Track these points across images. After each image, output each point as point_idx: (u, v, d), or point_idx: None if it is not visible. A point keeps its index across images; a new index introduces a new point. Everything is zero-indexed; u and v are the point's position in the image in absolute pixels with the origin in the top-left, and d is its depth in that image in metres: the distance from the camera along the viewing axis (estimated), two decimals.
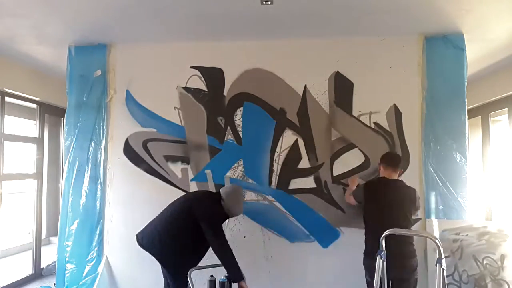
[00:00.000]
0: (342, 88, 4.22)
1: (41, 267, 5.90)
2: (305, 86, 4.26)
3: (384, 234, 3.07)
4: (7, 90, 5.12)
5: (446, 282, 2.90)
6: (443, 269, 2.78)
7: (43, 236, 6.62)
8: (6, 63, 4.96)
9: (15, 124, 6.56)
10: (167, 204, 4.30)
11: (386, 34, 4.15)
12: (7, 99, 5.26)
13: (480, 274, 3.81)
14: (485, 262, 3.82)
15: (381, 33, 4.13)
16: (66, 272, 4.35)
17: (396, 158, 3.67)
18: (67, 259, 4.37)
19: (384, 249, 3.03)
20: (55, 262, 4.58)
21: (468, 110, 4.13)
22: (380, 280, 3.04)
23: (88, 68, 4.48)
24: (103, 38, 4.36)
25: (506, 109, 5.23)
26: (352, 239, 4.11)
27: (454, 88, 4.08)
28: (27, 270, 5.79)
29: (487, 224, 4.00)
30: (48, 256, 6.10)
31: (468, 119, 4.11)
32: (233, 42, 4.33)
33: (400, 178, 3.64)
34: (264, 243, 4.25)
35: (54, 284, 4.49)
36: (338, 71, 4.24)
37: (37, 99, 5.74)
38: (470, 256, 3.85)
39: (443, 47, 4.11)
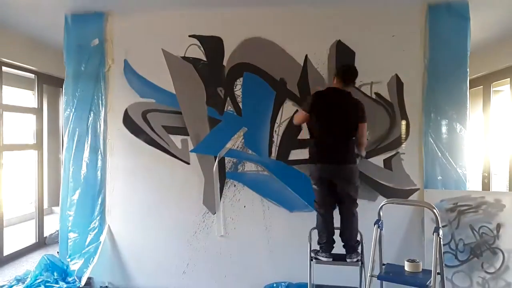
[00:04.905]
0: (343, 58, 4.16)
1: (44, 236, 6.01)
2: (306, 55, 4.19)
3: (382, 203, 3.11)
4: (4, 60, 5.06)
5: (442, 251, 2.95)
6: (440, 238, 2.83)
7: (45, 205, 6.69)
8: (2, 33, 4.88)
9: (13, 95, 6.53)
10: (167, 174, 4.35)
11: (389, 2, 4.05)
12: (4, 69, 5.20)
13: (476, 243, 3.87)
14: (481, 231, 3.87)
15: (384, 1, 4.03)
16: (69, 241, 4.43)
17: (352, 73, 3.55)
18: (69, 228, 4.44)
19: (381, 218, 3.08)
20: (58, 231, 4.65)
21: (470, 80, 4.08)
22: (380, 247, 3.10)
23: (85, 37, 4.40)
24: (100, 6, 4.26)
25: (509, 79, 5.19)
26: None
27: (456, 58, 4.02)
28: (31, 239, 5.90)
29: (485, 194, 4.04)
30: (51, 225, 6.20)
31: (469, 89, 4.07)
32: (232, 9, 4.23)
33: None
34: (263, 212, 4.30)
35: (58, 252, 4.57)
36: (339, 40, 4.16)
37: (34, 69, 5.68)
38: (467, 225, 3.90)
39: (447, 15, 4.01)
